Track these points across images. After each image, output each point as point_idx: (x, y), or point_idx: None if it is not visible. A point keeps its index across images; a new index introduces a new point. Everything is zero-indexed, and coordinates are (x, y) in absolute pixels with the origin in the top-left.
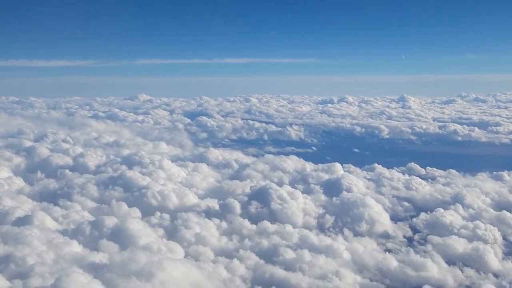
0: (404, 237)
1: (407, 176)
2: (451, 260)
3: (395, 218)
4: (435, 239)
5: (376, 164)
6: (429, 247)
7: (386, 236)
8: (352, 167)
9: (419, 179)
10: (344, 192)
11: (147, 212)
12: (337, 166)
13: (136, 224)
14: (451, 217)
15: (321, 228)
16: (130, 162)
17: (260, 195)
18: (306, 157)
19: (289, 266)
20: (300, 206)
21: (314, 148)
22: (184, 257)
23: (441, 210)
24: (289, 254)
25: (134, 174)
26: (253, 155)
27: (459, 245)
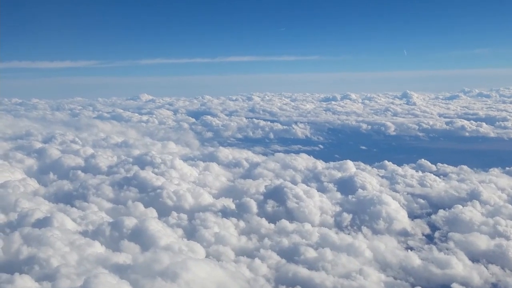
0: (423, 234)
1: (420, 173)
2: (475, 257)
3: (411, 216)
4: (457, 236)
5: (387, 161)
6: (451, 244)
7: (405, 233)
8: (362, 165)
9: (433, 176)
10: (360, 190)
11: (163, 212)
12: (349, 163)
13: (155, 225)
14: (470, 213)
15: (339, 226)
16: (141, 162)
17: (276, 194)
18: (314, 155)
19: (311, 265)
20: (317, 204)
21: (321, 146)
22: (205, 257)
23: (460, 206)
24: (311, 253)
25: (148, 175)
26: (261, 154)
27: (482, 242)
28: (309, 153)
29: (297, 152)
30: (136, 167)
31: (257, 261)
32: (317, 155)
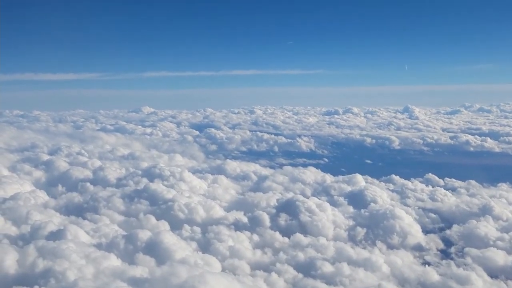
0: (437, 249)
1: (430, 187)
2: (493, 273)
3: (424, 230)
4: (474, 251)
5: (394, 175)
6: (468, 259)
7: (419, 248)
8: (370, 179)
9: (443, 190)
10: (372, 204)
11: (175, 225)
12: (358, 177)
13: (170, 238)
14: (485, 228)
15: (353, 240)
16: (150, 174)
17: (288, 207)
18: (320, 169)
19: (329, 280)
20: (330, 218)
21: (326, 160)
22: (221, 271)
23: (474, 221)
24: (327, 268)
25: (158, 187)
26: (267, 167)
27: (499, 258)
28: (314, 166)
29: (303, 165)
30: (145, 180)
31: (274, 275)
32: (323, 169)
